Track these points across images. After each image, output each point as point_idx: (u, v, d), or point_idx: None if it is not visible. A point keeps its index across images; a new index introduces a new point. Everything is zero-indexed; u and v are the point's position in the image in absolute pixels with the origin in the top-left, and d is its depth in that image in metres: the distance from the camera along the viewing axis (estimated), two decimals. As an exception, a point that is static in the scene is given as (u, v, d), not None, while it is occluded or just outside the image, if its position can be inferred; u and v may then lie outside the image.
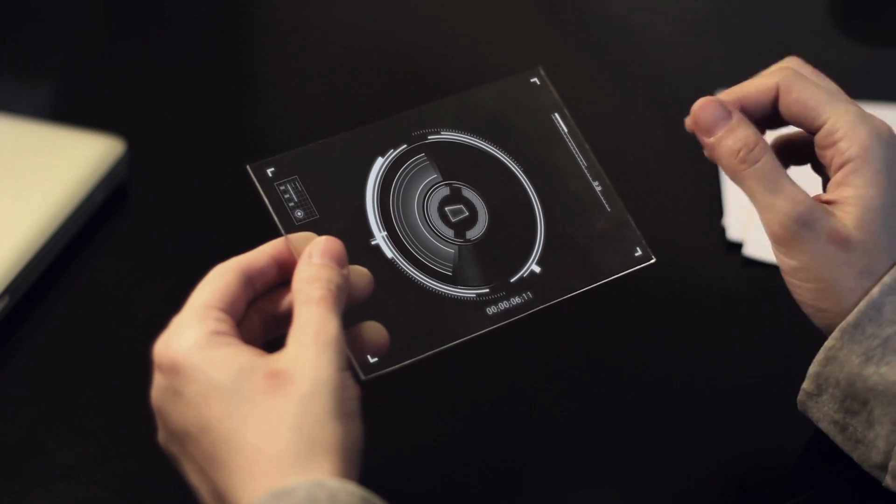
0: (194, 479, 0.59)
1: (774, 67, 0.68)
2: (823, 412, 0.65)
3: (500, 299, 0.67)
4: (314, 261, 0.61)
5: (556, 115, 0.71)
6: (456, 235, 0.68)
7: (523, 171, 0.70)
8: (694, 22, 1.12)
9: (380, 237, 0.66)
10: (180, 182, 0.93)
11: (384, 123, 0.68)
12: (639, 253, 0.69)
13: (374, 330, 0.63)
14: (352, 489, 0.54)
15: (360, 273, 0.64)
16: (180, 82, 1.02)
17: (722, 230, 0.89)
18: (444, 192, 0.68)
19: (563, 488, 0.71)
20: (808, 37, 1.10)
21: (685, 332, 0.81)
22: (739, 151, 0.66)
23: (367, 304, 0.64)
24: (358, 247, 0.65)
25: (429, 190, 0.68)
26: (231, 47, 1.08)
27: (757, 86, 0.67)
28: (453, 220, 0.68)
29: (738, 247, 0.88)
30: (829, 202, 0.65)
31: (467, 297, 0.67)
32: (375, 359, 0.63)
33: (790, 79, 0.66)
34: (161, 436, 0.61)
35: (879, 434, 0.63)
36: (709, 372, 0.77)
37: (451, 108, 0.70)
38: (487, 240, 0.68)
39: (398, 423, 0.74)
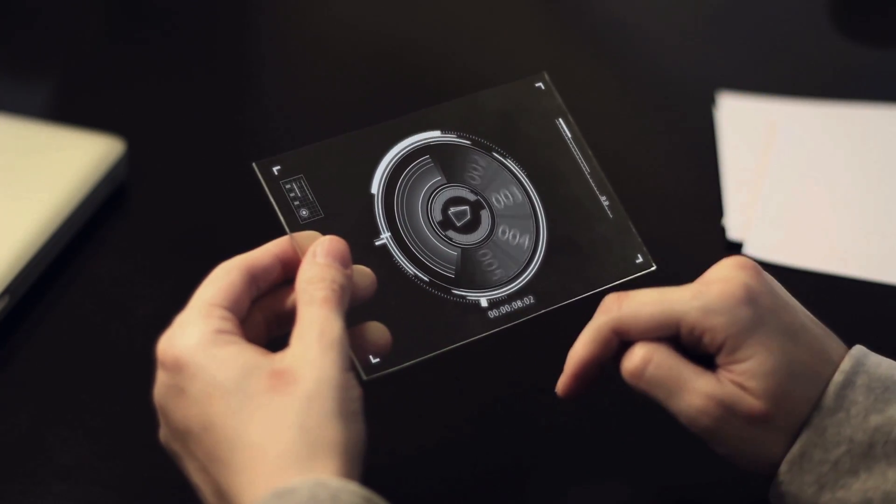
0: (196, 477, 0.59)
1: (598, 317, 0.64)
2: None
3: (502, 302, 0.67)
4: (318, 260, 0.61)
5: (560, 120, 0.71)
6: (459, 238, 0.68)
7: (526, 176, 0.70)
8: (697, 26, 1.12)
9: (384, 238, 0.66)
10: (180, 182, 0.93)
11: (389, 124, 0.68)
12: (640, 260, 0.70)
13: (377, 330, 0.63)
14: (354, 489, 0.54)
15: (364, 273, 0.64)
16: (180, 82, 1.02)
17: (722, 230, 0.89)
18: (448, 194, 0.68)
19: (564, 490, 0.71)
20: (808, 37, 1.10)
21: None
22: (640, 370, 0.63)
23: (370, 304, 0.64)
24: (362, 247, 0.65)
25: (433, 192, 0.68)
26: (231, 46, 1.08)
27: (594, 342, 0.64)
28: (457, 223, 0.68)
29: (738, 247, 0.88)
30: (734, 382, 0.62)
31: (469, 299, 0.67)
32: (377, 359, 0.63)
33: (620, 322, 0.63)
34: (162, 433, 0.61)
35: None
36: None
37: (456, 111, 0.70)
38: (490, 243, 0.68)
39: (400, 424, 0.74)
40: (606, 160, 0.72)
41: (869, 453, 0.61)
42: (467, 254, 0.67)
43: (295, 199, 0.65)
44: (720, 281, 0.63)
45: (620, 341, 0.64)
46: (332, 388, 0.56)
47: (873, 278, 0.87)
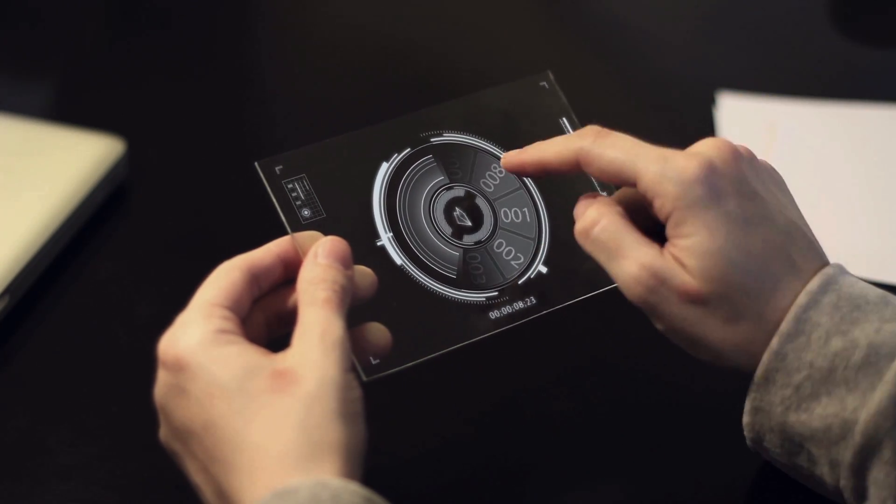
0: (197, 477, 0.59)
1: (573, 137, 0.65)
2: (770, 455, 0.64)
3: (504, 303, 0.67)
4: (319, 261, 0.61)
5: (564, 119, 0.71)
6: (461, 238, 0.68)
7: (534, 181, 0.70)
8: (697, 26, 1.12)
9: (385, 238, 0.66)
10: (180, 182, 0.93)
11: (392, 124, 0.68)
12: None
13: (377, 331, 0.63)
14: (355, 489, 0.54)
15: (365, 273, 0.64)
16: (180, 82, 1.02)
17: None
18: (451, 194, 0.68)
19: (566, 491, 0.71)
20: (808, 37, 1.10)
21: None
22: (587, 229, 0.64)
23: (371, 305, 0.64)
24: (363, 247, 0.65)
25: (435, 192, 0.68)
26: (231, 46, 1.08)
27: (557, 153, 0.65)
28: (459, 223, 0.68)
29: (738, 247, 0.88)
30: (675, 258, 0.62)
31: (471, 300, 0.66)
32: (377, 360, 0.63)
33: (587, 152, 0.64)
34: (163, 433, 0.61)
35: (824, 472, 0.61)
36: (713, 375, 0.77)
37: (460, 110, 0.70)
38: (492, 243, 0.68)
39: (401, 425, 0.73)
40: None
41: (829, 378, 0.60)
42: (469, 254, 0.67)
43: (297, 198, 0.65)
44: (688, 154, 0.63)
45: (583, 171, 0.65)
46: (333, 389, 0.56)
47: (873, 278, 0.87)
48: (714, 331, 0.62)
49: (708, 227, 0.61)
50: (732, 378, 0.63)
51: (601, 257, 0.63)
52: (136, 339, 0.79)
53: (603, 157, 0.64)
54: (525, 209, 0.69)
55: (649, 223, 0.64)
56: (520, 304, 0.67)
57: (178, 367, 0.58)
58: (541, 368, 0.78)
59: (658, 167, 0.62)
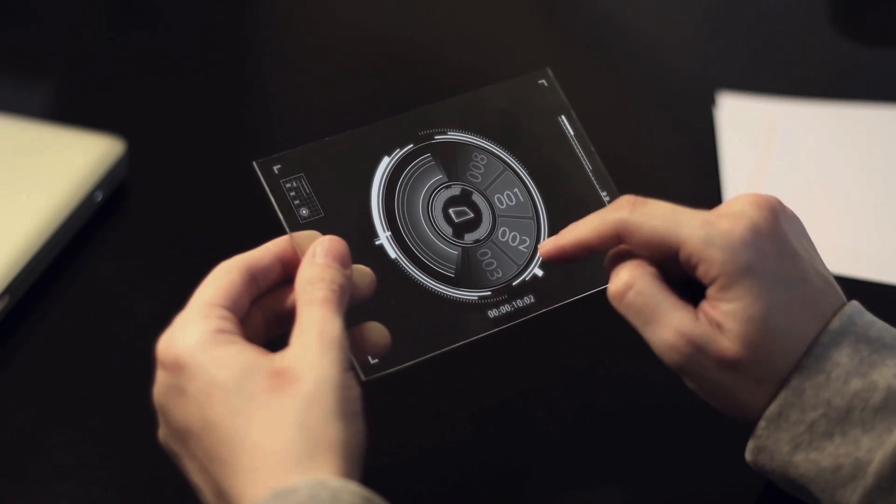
0: (196, 477, 0.59)
1: (609, 210, 0.64)
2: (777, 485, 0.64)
3: (503, 302, 0.67)
4: (318, 261, 0.61)
5: (563, 117, 0.71)
6: (459, 237, 0.68)
7: (528, 173, 0.70)
8: (697, 26, 1.12)
9: (383, 237, 0.66)
10: (180, 182, 0.93)
11: (390, 122, 0.68)
12: None
13: (376, 331, 0.63)
14: (354, 489, 0.54)
15: (363, 272, 0.64)
16: (180, 82, 1.02)
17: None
18: (450, 193, 0.68)
19: (564, 491, 0.71)
20: (808, 37, 1.10)
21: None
22: (621, 294, 0.63)
23: (369, 304, 0.64)
24: (361, 246, 0.65)
25: (434, 191, 0.68)
26: (231, 46, 1.08)
27: (597, 232, 0.64)
28: (457, 221, 0.68)
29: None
30: (713, 320, 0.62)
31: (469, 299, 0.66)
32: (376, 360, 0.63)
33: (626, 224, 0.63)
34: (162, 433, 0.61)
35: None
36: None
37: (459, 107, 0.70)
38: (490, 242, 0.68)
39: (400, 425, 0.73)
40: (606, 160, 0.72)
41: (846, 418, 0.60)
42: (467, 253, 0.67)
43: (295, 198, 0.65)
44: (731, 216, 0.62)
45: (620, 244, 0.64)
46: (332, 388, 0.56)
47: (873, 278, 0.87)
48: (747, 392, 0.62)
49: (753, 293, 0.61)
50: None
51: (636, 322, 0.63)
52: (136, 339, 0.79)
53: (644, 228, 0.63)
54: (515, 189, 0.69)
55: (678, 276, 0.64)
56: (518, 303, 0.67)
57: (177, 367, 0.58)
58: (540, 368, 0.78)
59: (703, 233, 0.62)
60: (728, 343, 0.61)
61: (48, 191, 0.85)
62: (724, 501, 0.71)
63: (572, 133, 0.71)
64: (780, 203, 0.64)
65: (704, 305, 0.62)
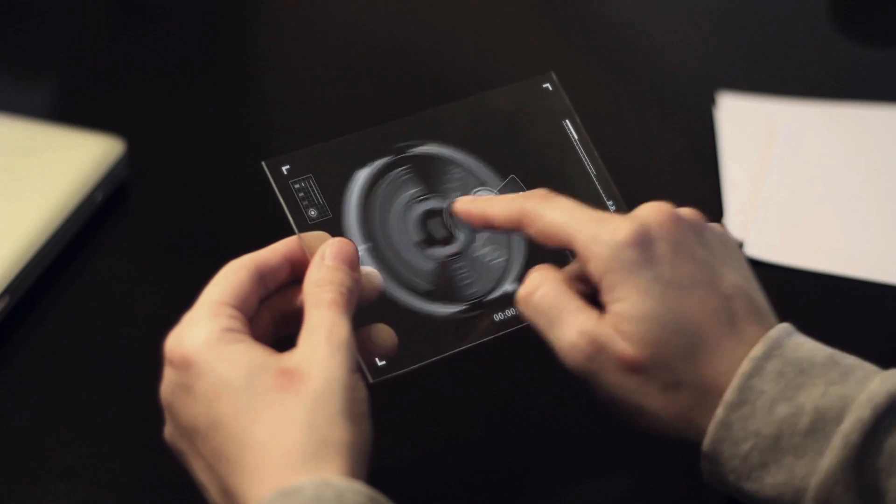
0: (202, 475, 0.59)
1: (521, 197, 0.65)
2: None
3: (509, 306, 0.67)
4: (326, 263, 0.61)
5: (567, 121, 0.71)
6: (467, 240, 0.67)
7: (533, 177, 0.69)
8: (697, 26, 1.12)
9: (364, 248, 0.66)
10: (180, 182, 0.93)
11: (396, 124, 0.68)
12: None
13: (383, 333, 0.63)
14: (359, 488, 0.54)
15: (371, 275, 0.64)
16: (180, 82, 1.02)
17: (722, 230, 0.89)
18: (427, 206, 0.68)
19: (568, 491, 0.71)
20: (808, 37, 1.10)
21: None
22: (528, 295, 0.63)
23: (377, 306, 0.64)
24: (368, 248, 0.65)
25: (412, 204, 0.67)
26: (231, 46, 1.08)
27: (502, 210, 0.64)
28: (432, 234, 0.67)
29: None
30: (610, 324, 0.61)
31: (476, 302, 0.66)
32: (384, 362, 0.63)
33: (528, 212, 0.63)
34: (168, 431, 0.61)
35: None
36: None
37: (463, 111, 0.69)
38: (472, 248, 0.68)
39: (406, 426, 0.73)
40: (605, 160, 0.72)
41: (776, 446, 0.59)
42: (453, 266, 0.67)
43: (304, 198, 0.65)
44: (625, 218, 0.62)
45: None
46: (339, 389, 0.56)
47: (873, 278, 0.87)
48: (653, 400, 0.61)
49: (639, 290, 0.60)
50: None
51: (541, 323, 0.63)
52: (136, 339, 0.79)
53: (543, 219, 0.63)
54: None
55: (592, 291, 0.63)
56: None
57: (185, 366, 0.58)
58: (546, 371, 0.78)
59: (592, 230, 0.61)
60: (626, 344, 0.60)
61: (48, 191, 0.85)
62: (723, 501, 0.71)
63: (576, 137, 0.71)
64: (693, 214, 0.64)
65: (604, 313, 0.61)
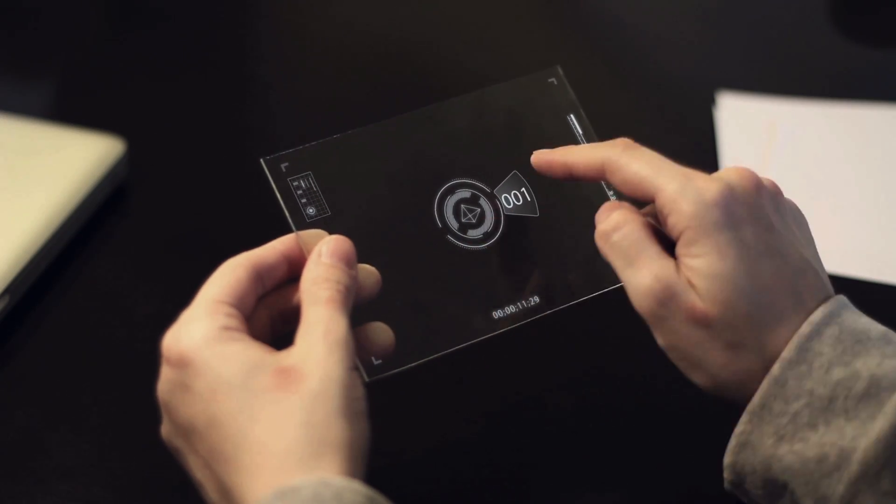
0: (199, 474, 0.59)
1: (603, 145, 0.66)
2: (750, 498, 0.63)
3: (507, 303, 0.67)
4: (323, 261, 0.61)
5: (572, 116, 0.71)
6: (465, 237, 0.67)
7: (535, 173, 0.69)
8: (697, 26, 1.12)
9: None
10: (180, 182, 0.93)
11: (398, 120, 0.68)
12: None
13: (380, 331, 0.63)
14: (357, 488, 0.54)
15: (369, 272, 0.64)
16: (180, 82, 1.02)
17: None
18: (456, 194, 0.68)
19: (568, 493, 0.71)
20: (808, 37, 1.10)
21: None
22: (608, 233, 0.64)
23: (374, 304, 0.63)
24: (368, 245, 0.65)
25: (441, 191, 0.68)
26: (231, 46, 1.08)
27: (585, 158, 0.65)
28: (463, 222, 0.68)
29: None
30: (685, 277, 0.62)
31: (474, 300, 0.66)
32: (380, 361, 0.63)
33: (613, 161, 0.64)
34: (165, 429, 0.61)
35: None
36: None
37: (467, 105, 0.69)
38: (496, 242, 0.68)
39: (403, 425, 0.73)
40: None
41: (829, 408, 0.60)
42: (472, 253, 0.67)
43: (302, 196, 0.65)
44: (711, 177, 0.63)
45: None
46: (337, 387, 0.56)
47: (873, 278, 0.87)
48: (715, 355, 0.62)
49: (719, 250, 0.61)
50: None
51: (617, 263, 0.63)
52: (135, 338, 0.79)
53: (628, 168, 0.64)
54: (523, 189, 0.69)
55: (669, 243, 0.64)
56: (523, 304, 0.67)
57: (182, 364, 0.58)
58: (544, 370, 0.78)
59: (678, 184, 0.62)
60: (697, 299, 0.61)
61: (48, 191, 0.85)
62: (724, 501, 0.71)
63: (581, 132, 0.71)
64: (773, 184, 0.65)
65: (679, 263, 0.62)
